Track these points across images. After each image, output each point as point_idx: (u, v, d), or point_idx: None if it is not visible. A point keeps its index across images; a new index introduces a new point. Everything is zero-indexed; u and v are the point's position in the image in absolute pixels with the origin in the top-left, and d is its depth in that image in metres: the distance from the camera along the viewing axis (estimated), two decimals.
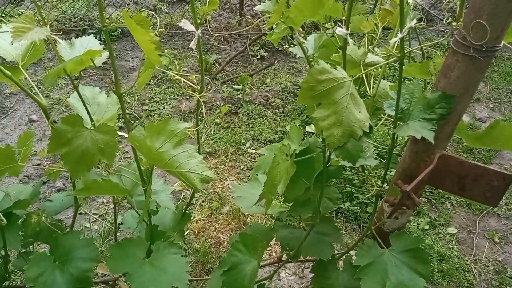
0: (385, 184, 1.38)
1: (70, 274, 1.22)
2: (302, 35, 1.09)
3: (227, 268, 1.30)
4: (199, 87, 1.10)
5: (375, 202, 1.41)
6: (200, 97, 1.04)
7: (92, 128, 1.07)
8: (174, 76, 1.08)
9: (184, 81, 1.10)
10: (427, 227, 2.60)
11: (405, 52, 1.05)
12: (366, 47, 1.56)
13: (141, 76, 1.10)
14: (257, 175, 1.55)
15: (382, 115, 1.59)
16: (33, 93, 1.06)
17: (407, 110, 1.23)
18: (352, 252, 1.61)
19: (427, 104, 1.21)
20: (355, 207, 2.59)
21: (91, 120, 1.16)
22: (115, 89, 0.99)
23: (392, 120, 1.39)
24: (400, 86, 1.13)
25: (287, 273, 2.11)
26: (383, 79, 1.54)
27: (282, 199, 1.38)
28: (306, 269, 2.13)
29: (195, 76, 1.10)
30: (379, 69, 1.59)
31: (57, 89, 3.64)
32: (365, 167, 1.53)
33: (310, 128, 2.84)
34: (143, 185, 1.10)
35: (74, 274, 1.22)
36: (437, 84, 1.21)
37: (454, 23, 1.07)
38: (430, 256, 2.32)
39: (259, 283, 1.48)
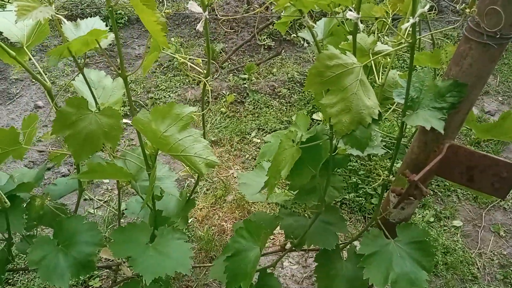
0: (391, 176, 1.36)
1: (74, 257, 1.22)
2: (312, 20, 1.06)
3: (231, 254, 1.30)
4: (205, 71, 1.08)
5: (381, 192, 1.39)
6: (206, 81, 1.03)
7: (97, 111, 1.05)
8: (180, 60, 1.06)
9: (190, 66, 1.08)
10: (432, 219, 2.58)
11: (416, 38, 1.02)
12: (376, 35, 1.54)
13: (147, 58, 1.08)
14: (262, 162, 1.53)
15: (390, 105, 1.57)
16: (38, 75, 1.05)
17: (417, 98, 1.21)
18: (356, 243, 1.60)
19: (437, 92, 1.19)
20: (360, 198, 2.58)
21: (96, 103, 1.15)
22: (120, 72, 0.97)
23: (400, 110, 1.37)
24: (411, 73, 1.10)
25: (290, 262, 2.10)
26: (392, 69, 1.51)
27: (287, 188, 1.37)
28: (310, 259, 2.12)
29: (201, 60, 1.08)
30: (388, 59, 1.57)
31: (63, 75, 3.63)
32: (372, 157, 1.51)
33: (317, 116, 2.82)
34: (148, 169, 1.09)
35: (77, 258, 1.22)
36: (449, 72, 1.19)
37: (467, 10, 1.04)
38: (435, 249, 2.31)
39: (262, 270, 1.47)
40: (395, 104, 1.52)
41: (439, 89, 1.18)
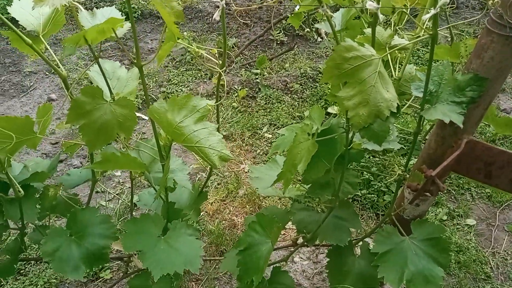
0: (407, 171, 1.34)
1: (87, 249, 1.22)
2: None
3: (243, 248, 1.29)
4: (221, 62, 1.07)
5: (396, 188, 1.37)
6: (222, 71, 1.02)
7: (112, 101, 1.05)
8: (195, 52, 1.05)
9: (206, 56, 1.07)
10: (445, 217, 2.54)
11: (437, 30, 1.00)
12: (393, 28, 1.51)
13: (162, 48, 1.07)
14: (275, 156, 1.52)
15: (406, 101, 1.55)
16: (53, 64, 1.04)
17: (435, 92, 1.18)
18: (368, 239, 1.59)
19: (457, 86, 1.16)
20: (372, 195, 2.55)
21: (111, 93, 1.14)
22: (136, 61, 0.96)
23: (416, 106, 1.34)
24: (431, 66, 1.08)
25: (301, 257, 2.09)
26: (408, 64, 1.48)
27: (301, 181, 1.35)
28: (321, 255, 2.11)
29: (217, 50, 1.07)
30: (404, 54, 1.54)
31: (77, 68, 3.65)
32: (386, 152, 1.49)
33: (332, 109, 2.79)
34: (161, 160, 1.09)
35: (90, 250, 1.22)
36: (469, 66, 1.16)
37: (490, 1, 1.01)
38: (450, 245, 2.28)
39: (274, 265, 1.46)
40: (412, 99, 1.49)
41: (459, 83, 1.16)
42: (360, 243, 1.49)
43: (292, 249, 1.55)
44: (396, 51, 1.47)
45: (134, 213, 1.84)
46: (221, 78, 1.04)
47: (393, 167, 1.26)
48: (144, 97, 3.14)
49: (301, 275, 2.01)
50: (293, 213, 1.44)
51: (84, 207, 1.31)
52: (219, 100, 1.19)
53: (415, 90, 1.19)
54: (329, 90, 3.30)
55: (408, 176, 1.35)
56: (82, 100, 1.00)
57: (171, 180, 1.20)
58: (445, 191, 2.71)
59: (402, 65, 1.48)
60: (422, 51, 3.76)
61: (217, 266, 2.17)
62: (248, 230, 1.31)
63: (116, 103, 1.04)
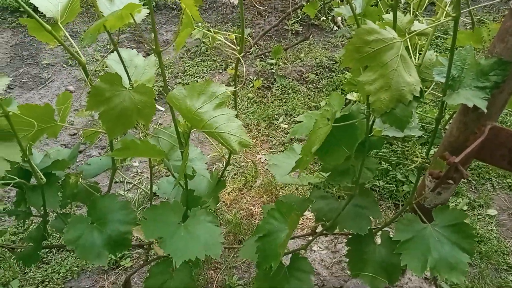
0: (428, 158, 1.32)
1: (109, 235, 1.23)
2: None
3: (262, 234, 1.29)
4: (238, 48, 1.06)
5: (417, 176, 1.35)
6: (241, 57, 1.01)
7: (131, 88, 1.05)
8: (214, 36, 1.05)
9: (224, 42, 1.06)
10: (465, 208, 2.50)
11: (461, 12, 0.97)
12: (412, 14, 1.48)
13: (180, 35, 1.07)
14: (292, 144, 1.51)
15: (426, 88, 1.52)
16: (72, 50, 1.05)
17: (458, 77, 1.15)
18: (387, 229, 1.57)
19: (480, 71, 1.13)
20: (390, 185, 2.53)
21: (129, 80, 1.14)
22: (154, 47, 0.96)
23: (436, 93, 1.32)
24: (453, 49, 1.05)
25: (319, 247, 2.08)
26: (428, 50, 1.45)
27: (320, 169, 1.34)
28: (339, 244, 2.09)
29: (235, 35, 1.06)
30: (423, 41, 1.51)
31: (93, 61, 3.68)
32: (405, 141, 1.47)
33: (351, 96, 2.76)
34: (181, 147, 1.08)
35: (112, 236, 1.23)
36: (492, 50, 1.13)
37: None
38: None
39: (294, 253, 1.45)
40: (432, 86, 1.47)
41: (482, 67, 1.13)
42: (380, 232, 1.47)
43: (311, 238, 1.54)
44: (416, 37, 1.44)
45: (153, 202, 1.86)
46: (239, 64, 1.03)
47: (413, 155, 1.23)
48: (160, 89, 3.15)
49: (319, 265, 2.01)
50: (312, 201, 1.43)
51: (104, 194, 1.32)
52: (237, 88, 1.18)
53: (437, 75, 1.16)
54: (346, 80, 3.26)
55: (429, 164, 1.33)
56: (101, 87, 1.00)
57: (190, 168, 1.20)
58: (466, 181, 2.67)
59: (421, 52, 1.46)
60: (441, 39, 3.69)
61: (235, 255, 2.18)
62: (267, 217, 1.31)
63: (135, 90, 1.04)
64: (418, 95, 0.95)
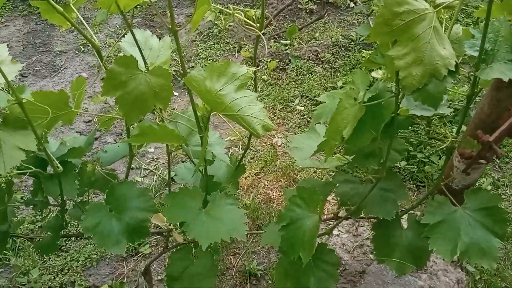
0: (458, 137, 1.25)
1: (127, 223, 1.21)
2: None
3: (285, 223, 1.25)
4: (258, 25, 1.00)
5: (446, 156, 1.29)
6: (261, 34, 0.95)
7: (146, 71, 1.00)
8: (232, 14, 0.99)
9: (244, 20, 1.00)
10: (489, 187, 2.43)
11: None
12: None
13: (196, 13, 1.01)
14: (314, 125, 1.46)
15: None
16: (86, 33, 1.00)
17: (491, 51, 1.08)
18: (413, 212, 1.51)
19: None
20: (412, 166, 2.46)
21: (145, 63, 1.10)
22: (170, 26, 0.91)
23: (464, 70, 1.24)
24: (488, 20, 0.98)
25: (340, 231, 2.04)
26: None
27: (343, 152, 1.29)
28: (360, 228, 2.05)
29: (254, 11, 1.00)
30: (446, 15, 1.43)
31: (106, 46, 3.64)
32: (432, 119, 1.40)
33: (376, 74, 2.67)
34: (200, 132, 1.04)
35: (131, 224, 1.21)
36: None
37: None
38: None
39: (319, 242, 1.41)
40: (460, 60, 1.39)
41: None
42: (405, 215, 1.42)
43: (333, 222, 1.50)
44: (442, 10, 1.36)
45: (170, 188, 1.83)
46: (260, 43, 0.98)
47: (442, 135, 1.17)
48: (174, 73, 3.11)
49: (340, 249, 1.97)
50: (335, 185, 1.39)
51: (122, 180, 1.29)
52: (258, 68, 1.13)
53: (469, 49, 1.09)
54: (363, 58, 3.17)
55: (457, 144, 1.27)
56: (116, 70, 0.96)
57: (209, 152, 1.16)
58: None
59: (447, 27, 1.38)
60: (465, 12, 3.52)
61: (254, 240, 2.15)
62: (290, 204, 1.27)
63: (151, 73, 0.99)
64: (453, 69, 0.89)
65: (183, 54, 3.50)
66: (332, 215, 1.54)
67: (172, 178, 1.45)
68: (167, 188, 1.38)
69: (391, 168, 1.57)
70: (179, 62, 3.28)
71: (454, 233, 1.17)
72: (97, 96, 1.07)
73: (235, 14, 0.98)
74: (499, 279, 1.93)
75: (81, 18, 1.05)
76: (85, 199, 1.39)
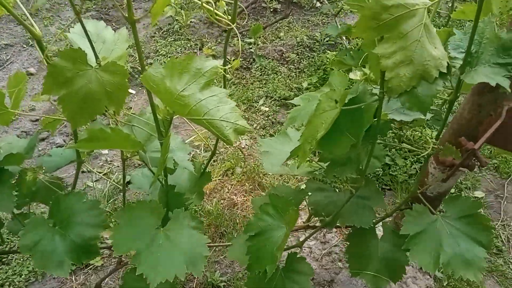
0: (435, 145, 1.19)
1: (73, 241, 1.06)
2: None
3: (254, 233, 1.14)
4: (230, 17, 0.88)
5: (423, 163, 1.22)
6: (234, 27, 0.83)
7: (98, 67, 0.86)
8: (201, 3, 0.86)
9: (215, 11, 0.88)
10: (452, 190, 2.43)
11: None
12: None
13: (156, 3, 0.88)
14: (286, 129, 1.35)
15: None
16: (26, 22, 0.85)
17: (475, 53, 1.01)
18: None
19: (501, 46, 1.00)
20: (377, 169, 2.42)
21: (96, 58, 0.95)
22: (128, 15, 0.77)
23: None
24: (478, 20, 0.91)
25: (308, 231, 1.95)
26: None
27: (318, 159, 1.19)
28: (328, 234, 1.97)
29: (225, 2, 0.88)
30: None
31: (56, 41, 3.39)
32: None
33: (354, 75, 2.60)
34: (160, 137, 0.91)
35: (77, 242, 1.06)
36: None
37: None
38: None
39: (289, 252, 1.31)
40: None
41: (503, 42, 0.99)
42: (379, 224, 1.34)
43: (305, 231, 1.40)
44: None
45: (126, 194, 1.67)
46: (234, 36, 0.86)
47: (414, 139, 1.10)
48: (131, 69, 2.92)
49: (308, 257, 1.88)
50: (307, 193, 1.29)
51: (69, 191, 1.13)
52: (226, 65, 1.01)
53: (453, 51, 1.02)
54: (328, 60, 3.11)
55: (434, 150, 1.20)
56: (61, 66, 0.81)
57: (170, 160, 1.03)
58: None
59: None
60: (440, 20, 3.55)
61: (216, 249, 2.03)
62: (260, 213, 1.16)
63: (103, 69, 0.85)
64: (445, 71, 0.81)
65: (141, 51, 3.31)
66: (302, 223, 1.44)
67: (127, 185, 1.31)
68: (122, 194, 1.23)
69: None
70: (137, 58, 3.09)
71: (436, 244, 1.10)
72: (38, 95, 0.92)
73: (204, 5, 0.86)
74: (465, 284, 1.92)
75: (20, 3, 0.89)
76: (26, 211, 1.21)
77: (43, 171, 1.17)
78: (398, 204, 1.36)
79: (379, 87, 0.89)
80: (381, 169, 2.44)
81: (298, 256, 1.23)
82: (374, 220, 1.21)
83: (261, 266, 1.11)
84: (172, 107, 0.80)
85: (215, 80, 0.84)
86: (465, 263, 1.05)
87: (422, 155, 1.06)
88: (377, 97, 0.92)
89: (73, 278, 1.86)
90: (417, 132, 2.08)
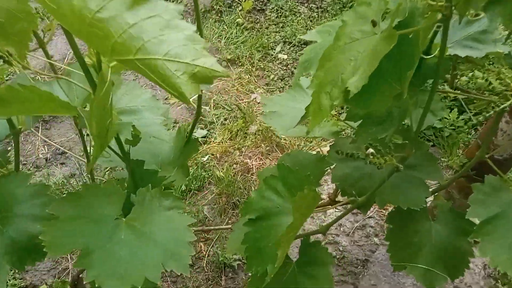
0: None
1: (12, 239, 0.78)
2: None
3: (254, 216, 0.84)
4: None
5: (496, 116, 0.86)
6: None
7: None
8: None
9: None
10: None
11: None
12: None
13: None
14: (299, 80, 1.00)
15: None
16: None
17: None
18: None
19: None
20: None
21: None
22: None
23: None
24: None
25: (337, 207, 1.64)
26: None
27: (345, 117, 0.85)
28: None
29: None
30: None
31: None
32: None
33: None
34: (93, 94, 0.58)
35: (17, 240, 0.79)
36: None
37: None
38: None
39: (304, 237, 1.00)
40: None
41: None
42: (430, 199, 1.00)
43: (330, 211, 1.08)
44: None
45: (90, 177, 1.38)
46: None
47: (504, 81, 0.74)
48: None
49: (337, 230, 1.57)
50: (330, 163, 0.96)
51: (9, 171, 0.85)
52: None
53: None
54: None
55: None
56: None
57: (127, 126, 0.70)
58: None
59: None
60: None
61: (229, 222, 1.75)
62: (264, 188, 0.85)
63: None
64: None
65: None
66: (328, 198, 1.12)
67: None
68: (88, 175, 0.93)
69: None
70: None
71: None
72: None
73: None
74: None
75: None
76: None
77: None
78: (455, 170, 1.02)
79: None
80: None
81: (312, 241, 0.92)
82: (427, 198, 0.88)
83: (262, 262, 0.81)
84: (85, 38, 0.46)
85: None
86: None
87: (503, 105, 0.70)
88: (440, 18, 0.56)
89: (68, 257, 1.63)
90: (471, 74, 1.67)
